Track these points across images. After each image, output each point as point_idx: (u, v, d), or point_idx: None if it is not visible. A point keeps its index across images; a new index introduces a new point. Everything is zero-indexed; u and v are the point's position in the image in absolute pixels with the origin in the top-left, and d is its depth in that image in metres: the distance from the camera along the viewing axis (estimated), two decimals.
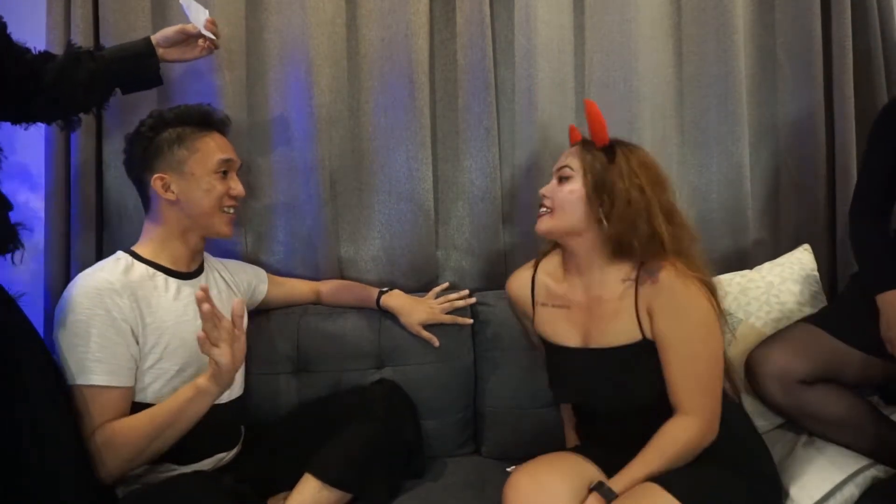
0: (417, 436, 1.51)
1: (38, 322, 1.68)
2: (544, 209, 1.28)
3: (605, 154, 1.25)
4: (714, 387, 1.17)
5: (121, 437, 1.14)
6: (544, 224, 1.27)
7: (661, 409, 1.19)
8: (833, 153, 1.74)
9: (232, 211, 1.35)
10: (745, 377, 1.37)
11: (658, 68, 1.78)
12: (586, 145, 1.28)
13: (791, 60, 1.77)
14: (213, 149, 1.31)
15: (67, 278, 1.68)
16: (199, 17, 1.37)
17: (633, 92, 1.74)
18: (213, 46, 1.42)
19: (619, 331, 1.21)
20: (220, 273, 1.45)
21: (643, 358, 1.20)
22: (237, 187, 1.34)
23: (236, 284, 1.48)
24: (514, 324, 1.60)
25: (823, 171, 1.74)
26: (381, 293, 1.59)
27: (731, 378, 1.29)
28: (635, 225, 1.19)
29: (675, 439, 1.14)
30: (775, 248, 1.77)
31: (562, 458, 1.23)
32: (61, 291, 1.65)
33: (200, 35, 1.38)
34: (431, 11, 1.74)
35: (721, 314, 1.22)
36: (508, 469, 1.47)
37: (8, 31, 1.18)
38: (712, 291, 1.20)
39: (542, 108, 1.71)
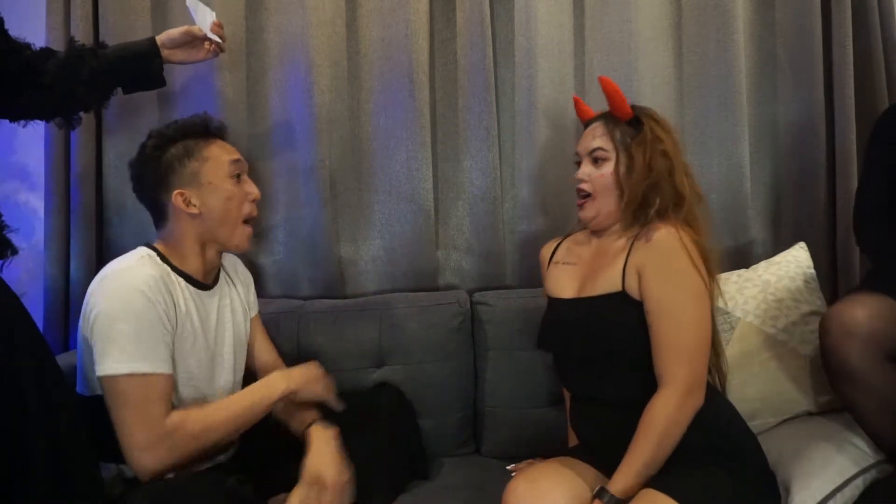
0: (419, 443, 1.52)
1: (37, 321, 1.67)
2: (584, 193, 1.28)
3: (632, 126, 1.26)
4: (695, 357, 1.15)
5: (199, 428, 1.17)
6: (590, 210, 1.28)
7: (641, 364, 1.18)
8: (833, 153, 1.74)
9: (252, 218, 1.33)
10: (825, 335, 1.29)
11: (658, 68, 1.78)
12: (610, 120, 1.28)
13: (791, 60, 1.77)
14: (222, 154, 1.30)
15: (67, 278, 1.68)
16: (205, 20, 1.36)
17: (633, 92, 1.73)
18: (219, 49, 1.40)
19: (605, 280, 1.23)
20: (234, 285, 1.43)
21: (619, 309, 1.20)
22: (253, 190, 1.33)
23: (240, 298, 1.44)
24: (514, 323, 1.61)
25: (823, 171, 1.74)
26: (316, 422, 1.33)
27: (717, 364, 1.29)
28: (658, 186, 1.22)
29: (658, 416, 1.13)
30: (775, 247, 1.77)
31: (561, 463, 1.23)
32: (61, 291, 1.67)
33: (206, 37, 1.37)
34: (431, 11, 1.74)
35: (715, 286, 1.23)
36: (509, 468, 1.47)
37: (5, 27, 1.17)
38: (708, 259, 1.20)
39: (542, 108, 1.72)
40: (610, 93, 1.27)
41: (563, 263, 1.36)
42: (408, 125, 1.72)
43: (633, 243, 1.21)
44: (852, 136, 1.70)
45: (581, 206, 1.29)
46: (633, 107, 1.29)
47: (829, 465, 1.24)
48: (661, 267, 1.16)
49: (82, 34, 1.60)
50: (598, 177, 1.26)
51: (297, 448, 1.33)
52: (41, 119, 1.32)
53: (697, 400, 1.15)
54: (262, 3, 1.74)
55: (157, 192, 1.27)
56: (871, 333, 1.25)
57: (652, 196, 1.22)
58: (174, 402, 1.23)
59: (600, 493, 1.11)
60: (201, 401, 1.28)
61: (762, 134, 1.82)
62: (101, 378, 1.14)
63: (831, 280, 1.75)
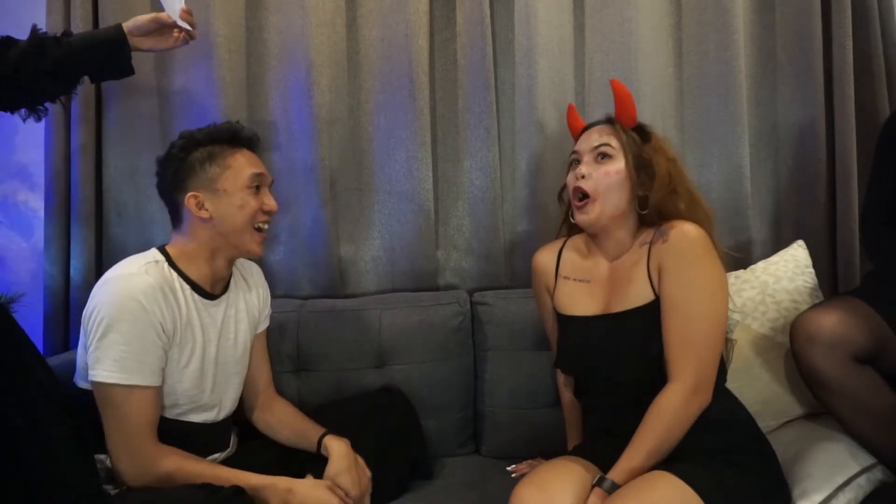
0: (422, 446, 1.53)
1: (37, 321, 1.68)
2: (583, 195, 1.24)
3: (637, 133, 1.27)
4: (705, 352, 1.14)
5: (180, 473, 1.17)
6: (591, 212, 1.23)
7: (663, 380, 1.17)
8: (833, 153, 1.74)
9: (265, 228, 1.33)
10: (792, 342, 1.32)
11: (658, 68, 1.78)
12: (616, 124, 1.28)
13: (791, 60, 1.77)
14: (244, 164, 1.29)
15: (67, 278, 1.68)
16: (174, 7, 1.33)
17: (634, 92, 1.70)
18: (189, 37, 1.37)
19: (636, 293, 1.21)
20: (248, 291, 1.43)
21: (653, 318, 1.18)
22: (270, 202, 1.32)
23: (248, 309, 1.42)
24: (514, 323, 1.61)
25: (823, 171, 1.74)
26: (325, 434, 1.34)
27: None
28: (677, 191, 1.22)
29: (662, 410, 1.12)
30: (775, 247, 1.76)
31: (565, 464, 1.21)
32: (61, 291, 1.67)
33: (176, 25, 1.34)
34: (431, 11, 1.74)
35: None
36: (509, 468, 1.47)
37: None
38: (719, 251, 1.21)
39: (542, 108, 1.71)
40: (622, 96, 1.25)
41: (575, 280, 1.32)
42: (408, 125, 1.72)
43: (650, 247, 1.21)
44: (852, 135, 1.70)
45: (580, 209, 1.24)
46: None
47: (830, 466, 1.24)
48: (677, 262, 1.16)
49: None
50: (603, 175, 1.22)
51: (292, 454, 1.34)
52: (4, 111, 1.26)
53: (704, 398, 1.14)
54: (262, 2, 1.74)
55: (175, 193, 1.28)
56: (835, 339, 1.26)
57: (673, 202, 1.22)
58: (168, 405, 1.24)
59: (600, 480, 1.11)
60: (197, 406, 1.28)
61: (762, 134, 1.82)
62: (91, 381, 1.17)
63: (831, 280, 1.75)
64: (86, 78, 1.33)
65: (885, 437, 1.27)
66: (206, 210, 1.26)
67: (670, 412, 1.12)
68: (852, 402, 1.28)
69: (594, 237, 1.31)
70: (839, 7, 1.69)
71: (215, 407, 1.32)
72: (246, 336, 1.39)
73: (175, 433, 1.23)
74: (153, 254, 1.27)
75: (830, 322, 1.27)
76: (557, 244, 1.39)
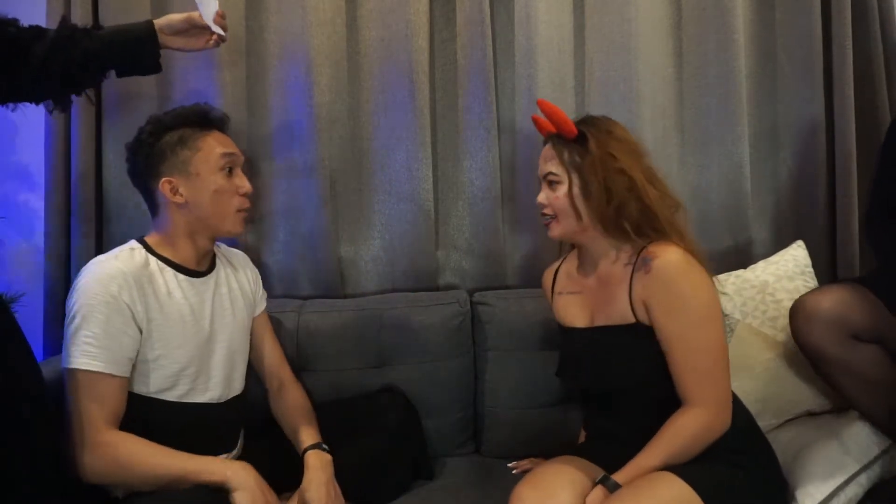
0: (422, 444, 1.53)
1: (37, 321, 1.68)
2: (547, 217, 1.28)
3: (579, 144, 1.24)
4: (719, 376, 1.15)
5: (126, 455, 1.14)
6: (555, 230, 1.28)
7: (661, 394, 1.18)
8: (833, 153, 1.74)
9: (244, 208, 1.33)
10: (791, 320, 1.36)
11: (658, 68, 1.78)
12: (558, 141, 1.27)
13: (791, 60, 1.77)
14: (215, 145, 1.29)
15: (67, 278, 1.68)
16: (209, 10, 1.32)
17: (633, 92, 1.74)
18: (221, 40, 1.37)
19: (617, 312, 1.22)
20: (236, 272, 1.43)
21: (637, 340, 1.19)
22: (244, 184, 1.32)
23: (241, 288, 1.43)
24: (514, 323, 1.61)
25: (823, 171, 1.74)
26: (313, 447, 1.31)
27: None
28: (624, 207, 1.20)
29: (682, 430, 1.14)
30: (775, 247, 1.76)
31: (565, 464, 1.22)
32: (61, 291, 1.67)
33: (208, 27, 1.33)
34: (431, 11, 1.74)
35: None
36: (510, 465, 1.48)
37: None
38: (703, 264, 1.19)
39: None
40: (549, 114, 1.26)
41: (568, 293, 1.35)
42: (408, 125, 1.72)
43: (632, 273, 1.21)
44: (852, 135, 1.70)
45: (547, 227, 1.29)
46: (580, 121, 1.28)
47: (830, 464, 1.25)
48: (665, 298, 1.16)
49: None
50: (555, 199, 1.26)
51: (296, 460, 1.33)
52: (30, 101, 1.24)
53: (726, 419, 1.16)
54: (262, 3, 1.74)
55: (148, 179, 1.28)
56: (833, 317, 1.31)
57: (620, 216, 1.21)
58: (168, 387, 1.23)
59: (604, 479, 1.13)
60: (199, 385, 1.27)
61: (762, 134, 1.82)
62: (63, 369, 1.17)
63: (831, 280, 1.75)
64: (112, 73, 1.31)
65: (886, 410, 1.29)
66: (181, 195, 1.26)
67: (689, 435, 1.14)
68: (854, 376, 1.31)
69: (580, 251, 1.34)
70: (839, 7, 1.69)
71: (219, 385, 1.31)
72: (244, 315, 1.40)
73: (181, 417, 1.23)
74: (130, 244, 1.27)
75: (828, 302, 1.32)
76: (557, 263, 1.43)
